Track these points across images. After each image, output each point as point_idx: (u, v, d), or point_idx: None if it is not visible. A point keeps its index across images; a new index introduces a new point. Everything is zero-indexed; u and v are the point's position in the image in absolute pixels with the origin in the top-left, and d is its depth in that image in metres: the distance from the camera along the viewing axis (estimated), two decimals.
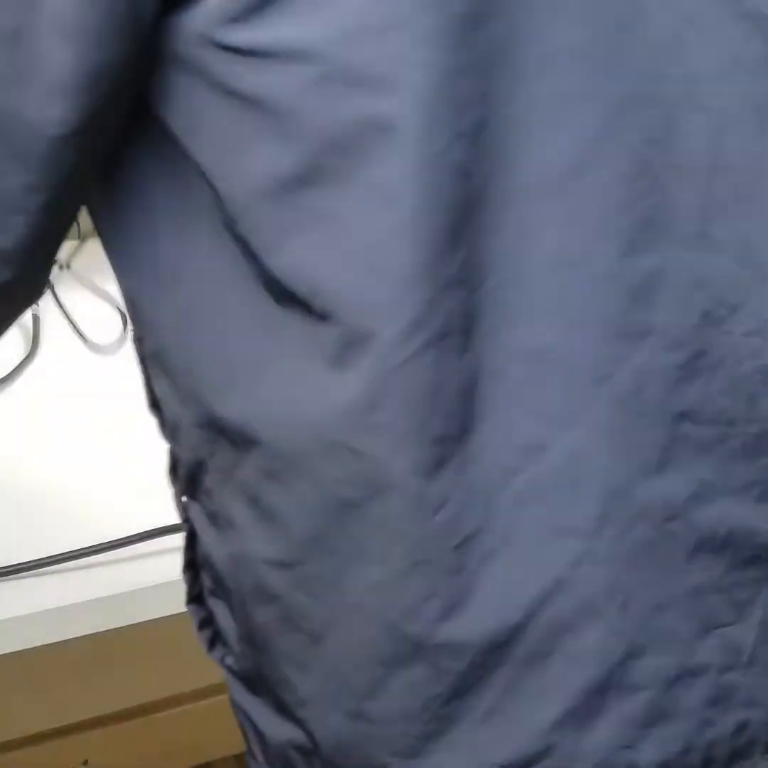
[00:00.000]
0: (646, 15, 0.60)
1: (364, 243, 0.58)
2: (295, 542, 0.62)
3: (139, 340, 0.69)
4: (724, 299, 0.61)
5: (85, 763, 1.54)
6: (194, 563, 0.72)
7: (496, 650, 0.60)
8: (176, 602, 0.92)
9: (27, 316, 1.18)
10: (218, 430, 0.64)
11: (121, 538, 0.91)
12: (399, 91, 0.57)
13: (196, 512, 0.69)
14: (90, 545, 0.90)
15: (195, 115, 0.60)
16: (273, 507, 0.63)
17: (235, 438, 0.63)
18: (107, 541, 0.91)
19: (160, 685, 1.50)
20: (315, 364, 0.60)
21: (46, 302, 1.17)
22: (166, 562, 0.91)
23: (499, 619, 0.60)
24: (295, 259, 0.59)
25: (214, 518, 0.67)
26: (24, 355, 1.15)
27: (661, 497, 0.60)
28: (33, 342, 1.17)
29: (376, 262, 0.58)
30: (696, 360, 0.61)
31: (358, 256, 0.58)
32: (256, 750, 0.70)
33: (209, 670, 1.43)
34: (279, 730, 0.67)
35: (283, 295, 0.60)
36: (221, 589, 0.68)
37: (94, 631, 0.90)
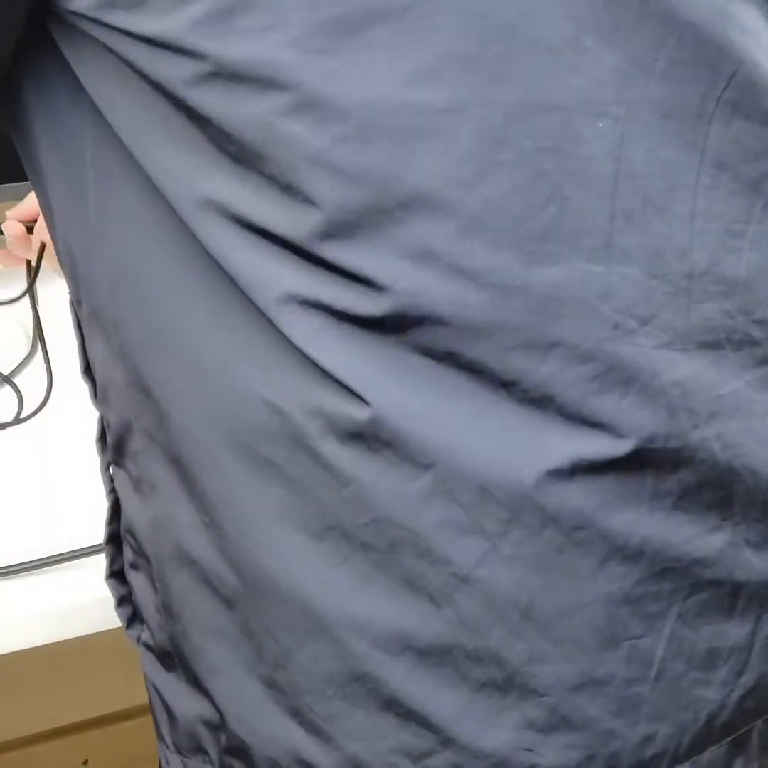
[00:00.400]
0: (536, 20, 0.58)
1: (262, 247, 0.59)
2: (213, 503, 0.62)
3: (77, 303, 0.70)
4: (634, 311, 0.59)
5: (85, 763, 1.54)
6: (116, 538, 0.72)
7: (399, 636, 0.60)
8: None
9: (27, 315, 1.17)
10: (144, 388, 0.64)
11: None
12: (282, 96, 0.56)
13: (121, 480, 0.69)
14: (90, 545, 0.90)
15: (103, 80, 0.61)
16: (192, 467, 0.63)
17: (155, 399, 0.64)
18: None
19: None
20: (236, 318, 0.60)
21: (46, 302, 1.17)
22: None
23: (402, 605, 0.60)
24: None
25: (138, 484, 0.67)
26: (25, 355, 1.15)
27: (570, 505, 0.59)
28: (33, 341, 1.17)
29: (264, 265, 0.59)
30: (608, 373, 0.59)
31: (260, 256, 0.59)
32: (165, 732, 0.70)
33: None
34: (189, 704, 0.67)
35: (204, 251, 0.61)
36: (142, 559, 0.69)
37: (94, 631, 0.89)
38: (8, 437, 1.04)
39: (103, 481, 0.73)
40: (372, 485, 0.59)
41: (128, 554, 0.70)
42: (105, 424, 0.71)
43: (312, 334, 0.59)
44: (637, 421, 0.60)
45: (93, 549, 0.90)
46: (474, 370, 0.59)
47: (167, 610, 0.67)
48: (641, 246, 0.60)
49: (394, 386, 0.59)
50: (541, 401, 0.59)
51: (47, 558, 0.89)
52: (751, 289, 0.62)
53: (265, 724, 0.63)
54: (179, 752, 0.69)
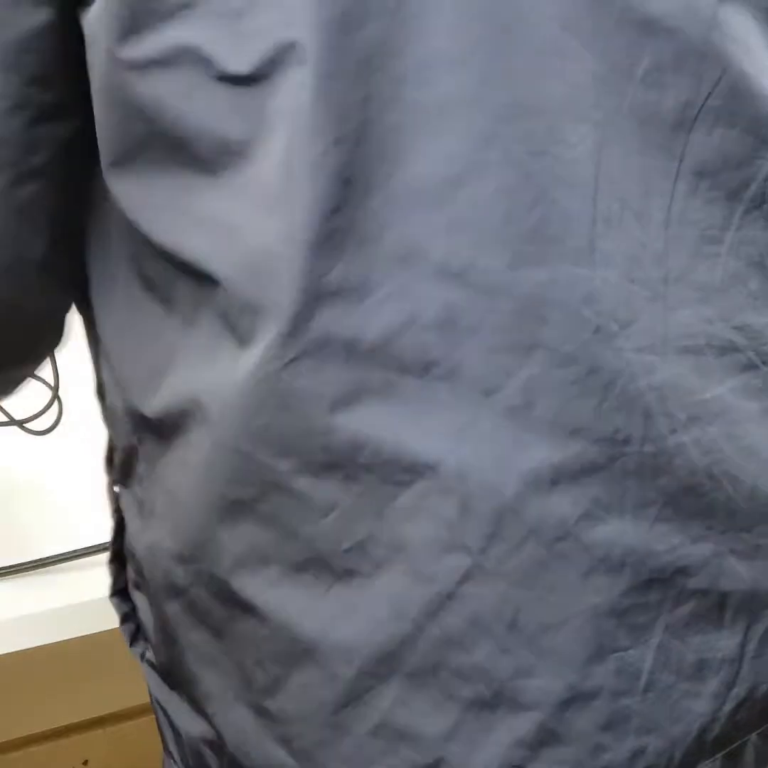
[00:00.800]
0: (526, 22, 0.58)
1: (248, 246, 0.58)
2: (192, 538, 0.62)
3: (89, 322, 0.70)
4: (615, 315, 0.59)
5: (85, 763, 1.54)
6: (120, 555, 0.72)
7: (387, 660, 0.60)
8: None
9: None
10: (140, 420, 0.65)
11: None
12: (285, 93, 0.56)
13: (127, 501, 0.69)
14: (89, 545, 0.90)
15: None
16: (180, 500, 0.63)
17: (153, 430, 0.64)
18: (106, 541, 0.91)
19: None
20: (202, 364, 0.61)
21: None
22: None
23: (389, 629, 0.59)
24: (191, 256, 0.60)
25: (141, 507, 0.67)
26: None
27: (551, 516, 0.59)
28: None
29: (258, 265, 0.58)
30: (588, 376, 0.59)
31: (244, 258, 0.58)
32: (172, 748, 0.70)
33: None
34: (192, 725, 0.67)
35: (168, 296, 0.61)
36: (142, 580, 0.69)
37: (94, 632, 0.89)
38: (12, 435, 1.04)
39: (109, 500, 0.73)
40: (353, 509, 0.59)
41: (131, 573, 0.70)
42: (113, 444, 0.70)
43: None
44: (614, 426, 0.59)
45: (93, 549, 0.90)
46: (454, 379, 0.58)
47: (164, 633, 0.67)
48: (620, 250, 0.60)
49: (372, 407, 0.58)
50: (521, 408, 0.58)
51: (47, 558, 0.89)
52: (728, 295, 0.62)
53: (258, 750, 0.63)
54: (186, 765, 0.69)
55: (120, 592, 0.73)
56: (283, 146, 0.57)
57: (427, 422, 0.58)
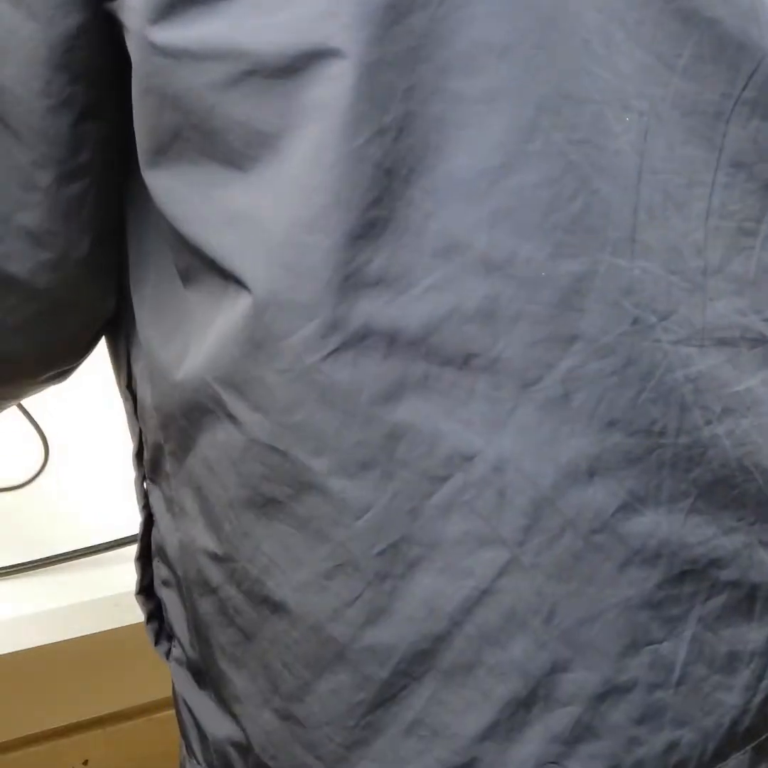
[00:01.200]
0: (570, 12, 0.58)
1: (278, 240, 0.58)
2: (226, 537, 0.62)
3: (126, 321, 0.70)
4: (654, 306, 0.60)
5: (85, 763, 1.54)
6: (147, 553, 0.72)
7: (421, 659, 0.59)
8: None
9: None
10: (167, 416, 0.65)
11: (120, 539, 0.91)
12: (321, 85, 0.56)
13: (156, 497, 0.69)
14: (89, 545, 0.90)
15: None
16: (211, 499, 0.63)
17: (180, 427, 0.64)
18: (106, 541, 0.91)
19: (160, 685, 1.50)
20: (224, 357, 0.60)
21: None
22: None
23: (424, 628, 0.59)
24: (216, 253, 0.60)
25: (170, 504, 0.67)
26: None
27: (588, 508, 0.59)
28: None
29: (292, 259, 0.57)
30: (626, 368, 0.59)
31: (274, 252, 0.58)
32: (196, 748, 0.70)
33: None
34: (220, 725, 0.67)
35: (198, 290, 0.62)
36: (173, 577, 0.68)
37: (94, 631, 0.89)
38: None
39: (137, 496, 0.72)
40: (387, 510, 0.59)
41: (161, 571, 0.70)
42: (143, 440, 0.70)
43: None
44: (651, 417, 0.60)
45: (93, 549, 0.90)
46: (494, 370, 0.58)
47: (197, 631, 0.67)
48: (661, 241, 0.60)
49: (411, 400, 0.58)
50: (560, 400, 0.58)
51: (47, 558, 0.89)
52: (760, 289, 0.63)
53: (285, 754, 0.63)
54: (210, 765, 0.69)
55: (145, 589, 0.73)
56: (319, 138, 0.56)
57: (466, 414, 0.58)
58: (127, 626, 0.91)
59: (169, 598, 0.70)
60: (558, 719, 0.60)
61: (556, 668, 0.59)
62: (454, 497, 0.59)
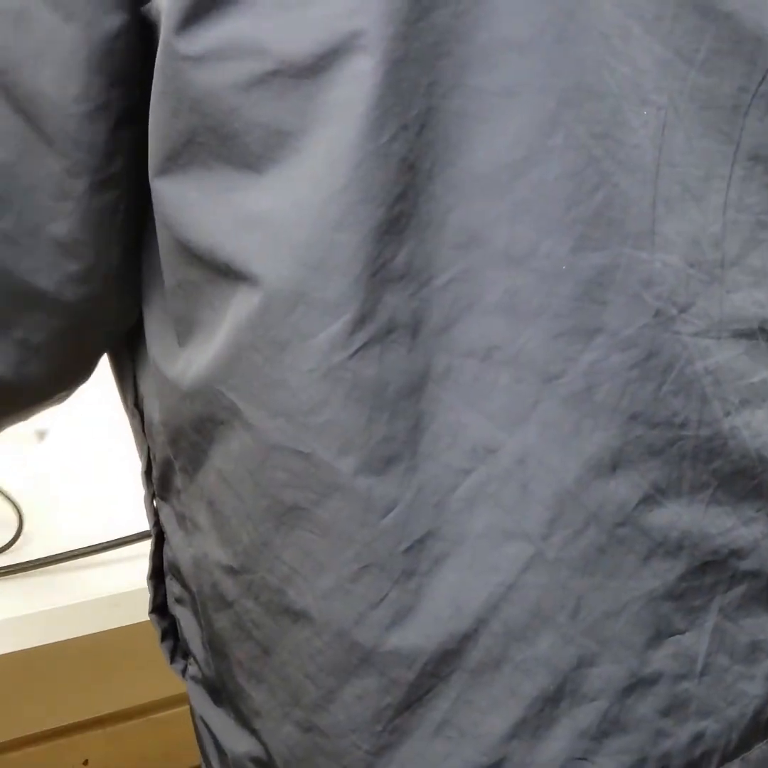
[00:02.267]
0: (589, 7, 0.58)
1: (300, 240, 0.57)
2: (243, 549, 0.62)
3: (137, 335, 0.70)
4: (674, 298, 0.60)
5: (85, 763, 1.54)
6: (159, 571, 0.71)
7: (447, 658, 0.59)
8: None
9: None
10: (176, 431, 0.64)
11: (120, 539, 0.91)
12: (346, 83, 0.56)
13: (167, 514, 0.69)
14: (89, 545, 0.90)
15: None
16: (226, 512, 0.62)
17: (191, 442, 0.63)
18: (106, 541, 0.91)
19: (160, 685, 1.50)
20: (231, 368, 0.60)
21: None
22: None
23: (450, 626, 0.59)
24: (230, 256, 0.59)
25: (182, 520, 0.66)
26: None
27: (611, 501, 0.59)
28: None
29: (315, 258, 0.57)
30: (648, 360, 0.59)
31: (296, 252, 0.57)
32: (214, 764, 0.69)
33: None
34: (238, 741, 0.66)
35: (200, 301, 0.61)
36: (187, 594, 0.68)
37: (94, 631, 0.89)
38: None
39: (147, 514, 0.72)
40: (412, 505, 0.58)
41: (174, 588, 0.69)
42: (151, 457, 0.70)
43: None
44: (672, 410, 0.60)
45: (93, 548, 0.90)
46: (516, 363, 0.58)
47: (212, 647, 0.66)
48: (680, 233, 0.60)
49: (434, 392, 0.58)
50: (582, 393, 0.59)
51: (47, 557, 0.89)
52: None
53: (310, 766, 0.62)
54: None
55: (159, 607, 0.72)
56: (344, 136, 0.56)
57: (489, 406, 0.58)
58: (127, 626, 0.91)
59: (183, 615, 0.69)
60: (585, 714, 0.60)
61: (583, 663, 0.60)
62: (479, 490, 0.59)
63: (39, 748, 1.47)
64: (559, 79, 0.58)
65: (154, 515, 0.70)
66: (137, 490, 0.99)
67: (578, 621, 0.59)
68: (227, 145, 0.58)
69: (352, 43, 0.56)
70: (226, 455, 0.61)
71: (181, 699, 1.56)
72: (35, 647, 0.88)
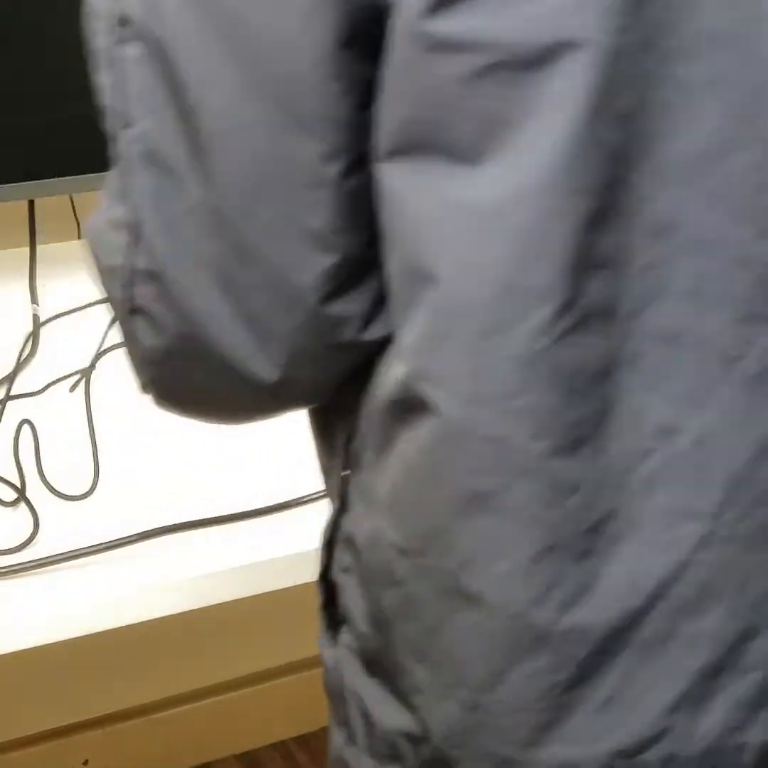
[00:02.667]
0: None
1: (517, 228, 0.59)
2: (419, 534, 0.63)
3: None
4: None
5: (85, 763, 1.54)
6: (333, 541, 0.72)
7: (618, 636, 0.61)
8: (176, 603, 0.93)
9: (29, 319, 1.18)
10: (370, 409, 0.66)
11: (124, 538, 0.91)
12: (565, 76, 0.58)
13: (354, 486, 0.70)
14: (89, 545, 0.90)
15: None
16: (405, 494, 0.64)
17: (381, 422, 0.65)
18: (106, 541, 0.91)
19: (159, 686, 1.50)
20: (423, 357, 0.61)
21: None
22: (165, 563, 0.91)
23: (624, 603, 0.61)
24: (435, 245, 0.60)
25: (365, 494, 0.68)
26: (26, 355, 1.16)
27: None
28: (33, 341, 1.17)
29: (529, 247, 0.59)
30: None
31: (510, 240, 0.59)
32: (359, 733, 0.71)
33: (208, 671, 1.42)
34: (391, 715, 0.68)
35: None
36: (356, 565, 0.69)
37: (94, 631, 0.90)
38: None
39: (332, 485, 0.73)
40: (597, 485, 0.60)
41: (344, 558, 0.70)
42: (350, 431, 0.70)
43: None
44: None
45: (93, 549, 0.90)
46: (701, 347, 0.60)
47: (375, 621, 0.68)
48: None
49: (622, 375, 0.60)
50: (758, 376, 0.61)
51: (48, 557, 0.89)
52: None
53: (473, 743, 0.64)
54: (373, 757, 0.70)
55: (325, 575, 0.73)
56: (562, 128, 0.58)
57: (671, 389, 0.61)
58: (127, 626, 0.91)
59: (348, 584, 0.70)
60: (744, 686, 0.62)
61: (745, 636, 0.62)
62: (658, 471, 0.61)
63: (39, 748, 1.47)
64: (750, 73, 0.60)
65: (343, 485, 0.71)
66: (137, 489, 0.99)
67: (745, 595, 0.62)
68: (446, 136, 0.59)
69: (575, 36, 0.58)
70: (413, 441, 0.63)
71: (181, 699, 1.57)
72: (35, 647, 0.88)
